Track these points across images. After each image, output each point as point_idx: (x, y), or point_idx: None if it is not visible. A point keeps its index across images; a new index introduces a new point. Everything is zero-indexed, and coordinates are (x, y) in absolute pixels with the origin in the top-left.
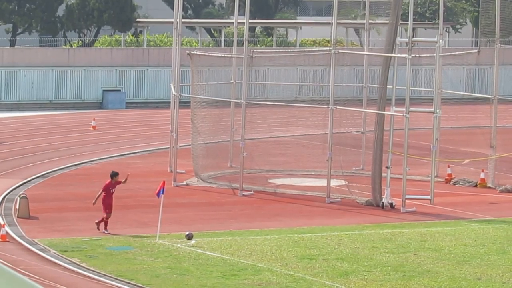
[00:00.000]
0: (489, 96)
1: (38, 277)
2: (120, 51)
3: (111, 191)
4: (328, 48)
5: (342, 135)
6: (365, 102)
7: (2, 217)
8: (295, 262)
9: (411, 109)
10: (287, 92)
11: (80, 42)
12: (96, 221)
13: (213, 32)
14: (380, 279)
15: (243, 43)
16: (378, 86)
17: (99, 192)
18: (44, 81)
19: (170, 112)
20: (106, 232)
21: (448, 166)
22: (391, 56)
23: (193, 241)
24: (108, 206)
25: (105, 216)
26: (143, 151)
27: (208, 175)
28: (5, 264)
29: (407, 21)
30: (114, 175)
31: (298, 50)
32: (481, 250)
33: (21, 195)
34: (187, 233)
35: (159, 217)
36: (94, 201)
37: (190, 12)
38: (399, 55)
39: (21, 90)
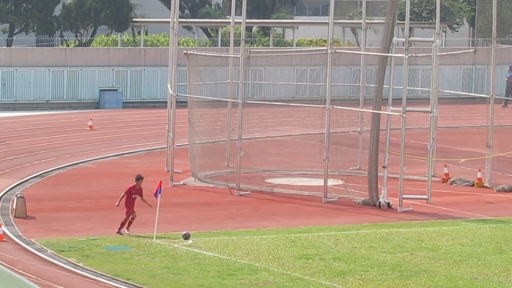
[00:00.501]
0: (486, 96)
1: (35, 277)
2: (117, 51)
3: (133, 196)
4: (325, 48)
5: (338, 135)
6: (362, 101)
7: None
8: (292, 262)
9: (408, 108)
10: (284, 91)
11: (77, 42)
12: (120, 228)
13: (210, 32)
14: (377, 278)
15: (240, 43)
16: (374, 85)
17: (122, 194)
18: (40, 81)
19: (166, 112)
20: (127, 232)
21: (445, 166)
22: (387, 56)
23: (190, 241)
24: (128, 208)
25: (125, 218)
26: (140, 151)
27: (205, 174)
28: (2, 264)
29: (404, 20)
30: (138, 178)
31: (295, 49)
32: (478, 249)
33: (18, 195)
34: (184, 232)
35: (156, 216)
36: (117, 203)
37: (187, 11)
38: (395, 54)
39: (18, 90)
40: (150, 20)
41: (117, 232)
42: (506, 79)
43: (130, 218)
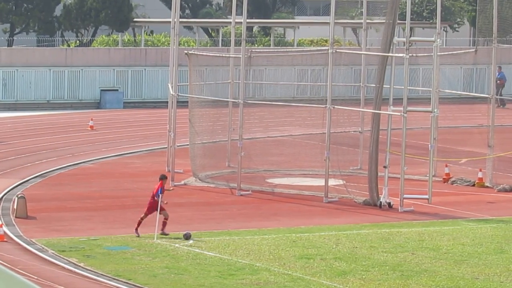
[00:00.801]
0: (487, 96)
1: (36, 277)
2: (117, 51)
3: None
4: (326, 48)
5: (339, 135)
6: (363, 101)
7: (0, 217)
8: (293, 262)
9: (409, 108)
10: (284, 91)
11: (77, 42)
12: (161, 228)
13: (210, 31)
14: (378, 278)
15: (240, 43)
16: (375, 85)
17: (160, 198)
18: (41, 81)
19: (167, 112)
20: (165, 233)
21: (446, 166)
22: (387, 56)
23: (191, 241)
24: (155, 209)
25: (164, 219)
26: (141, 151)
27: (206, 174)
28: (2, 264)
29: (405, 20)
30: (162, 178)
31: (295, 49)
32: (479, 249)
33: (19, 195)
34: (185, 232)
35: (156, 217)
36: (165, 201)
37: (187, 12)
38: (396, 54)
39: (19, 90)
40: (151, 20)
41: (162, 233)
42: (498, 81)
43: (163, 218)
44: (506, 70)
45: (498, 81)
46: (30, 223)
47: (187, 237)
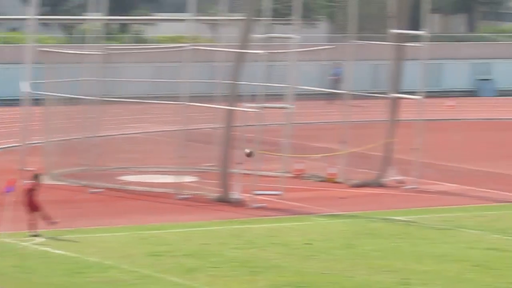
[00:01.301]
0: (343, 92)
1: None
2: None
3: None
4: (183, 44)
5: (194, 132)
6: (219, 98)
7: None
8: (142, 259)
9: (264, 105)
10: (143, 88)
11: None
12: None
13: (68, 29)
14: (227, 275)
15: (98, 40)
16: (229, 82)
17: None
18: None
19: (21, 110)
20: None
21: (299, 162)
22: (245, 52)
23: (43, 239)
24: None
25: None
26: None
27: (58, 172)
28: None
29: (264, 17)
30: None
31: (153, 46)
32: (328, 244)
33: None
34: (248, 150)
35: (4, 215)
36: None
37: (45, 8)
38: (253, 51)
39: None
40: (8, 17)
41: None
42: (332, 77)
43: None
44: (361, 66)
45: (333, 77)
46: None
47: (250, 155)
